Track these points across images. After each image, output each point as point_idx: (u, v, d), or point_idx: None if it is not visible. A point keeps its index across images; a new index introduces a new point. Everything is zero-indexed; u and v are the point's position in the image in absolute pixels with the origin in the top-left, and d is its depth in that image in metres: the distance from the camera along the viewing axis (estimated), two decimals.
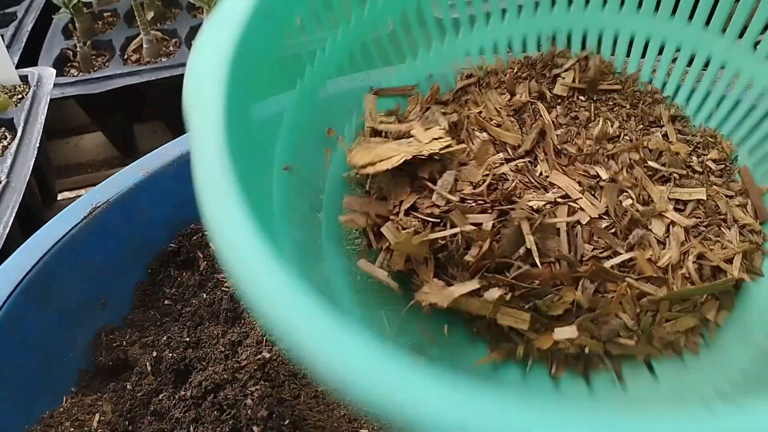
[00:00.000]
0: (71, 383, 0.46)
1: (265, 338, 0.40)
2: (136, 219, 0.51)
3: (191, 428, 0.37)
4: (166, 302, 0.51)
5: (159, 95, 0.90)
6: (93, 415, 0.42)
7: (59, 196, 0.90)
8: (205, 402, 0.38)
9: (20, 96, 0.77)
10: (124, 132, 0.96)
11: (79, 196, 0.91)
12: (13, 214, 0.61)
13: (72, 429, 0.41)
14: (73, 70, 0.88)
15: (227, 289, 0.47)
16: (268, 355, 0.38)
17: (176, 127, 0.97)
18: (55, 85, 0.79)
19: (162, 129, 1.00)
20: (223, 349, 0.42)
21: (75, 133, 1.02)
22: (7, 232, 0.59)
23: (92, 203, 0.49)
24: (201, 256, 0.52)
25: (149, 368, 0.43)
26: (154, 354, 0.44)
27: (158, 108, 0.93)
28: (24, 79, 0.79)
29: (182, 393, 0.40)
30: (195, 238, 0.53)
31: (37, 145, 0.70)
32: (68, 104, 0.94)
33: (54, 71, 0.80)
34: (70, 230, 0.47)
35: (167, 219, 0.53)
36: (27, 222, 0.70)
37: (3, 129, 0.73)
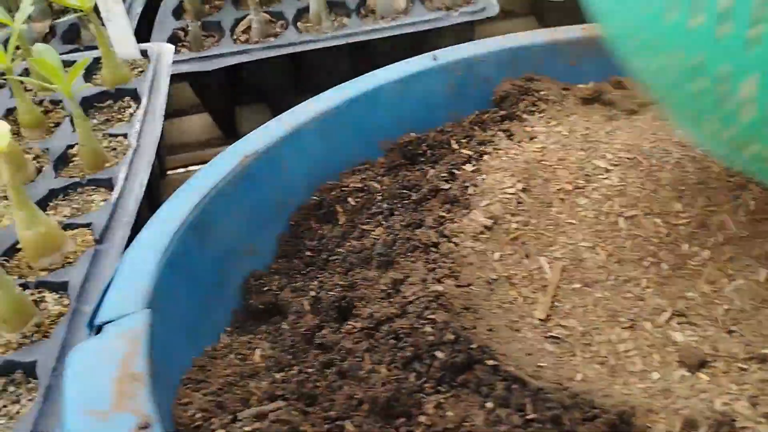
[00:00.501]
0: (225, 323, 0.47)
1: (430, 278, 0.41)
2: (279, 171, 0.52)
3: (365, 357, 0.38)
4: (308, 254, 0.52)
5: (264, 76, 0.92)
6: (254, 350, 0.43)
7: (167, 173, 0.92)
8: (377, 332, 0.39)
9: (140, 70, 0.80)
10: (228, 113, 0.98)
11: (185, 173, 0.94)
12: (147, 175, 0.63)
13: (236, 361, 0.42)
14: (183, 50, 0.91)
15: (377, 237, 0.48)
16: (440, 288, 0.39)
17: (277, 107, 0.99)
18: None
19: (262, 111, 1.02)
20: (384, 288, 0.42)
21: (178, 116, 1.05)
22: (143, 191, 0.61)
23: (243, 153, 0.50)
24: (340, 210, 0.53)
25: (308, 307, 0.44)
26: (312, 293, 0.45)
27: (262, 90, 0.95)
28: (143, 53, 0.82)
29: (348, 327, 0.41)
30: (333, 192, 0.54)
31: (163, 111, 0.72)
32: (172, 88, 0.97)
33: (172, 47, 0.83)
34: (225, 176, 0.48)
35: (307, 174, 0.54)
36: (147, 190, 0.72)
37: (127, 98, 0.76)
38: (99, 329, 0.38)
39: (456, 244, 0.44)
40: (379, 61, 0.88)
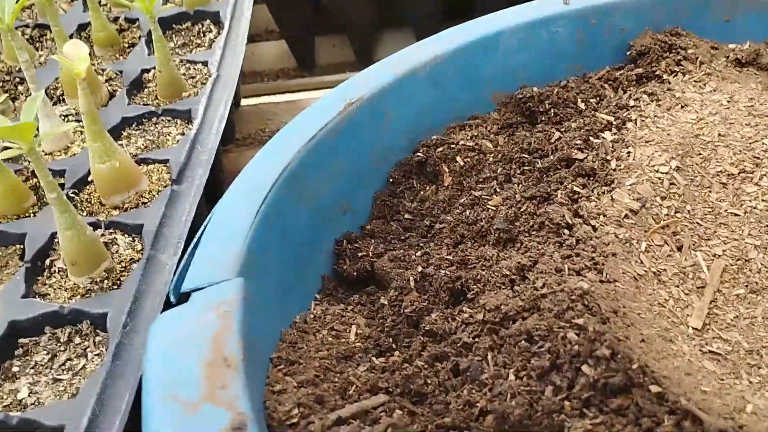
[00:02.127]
0: (315, 289, 0.42)
1: (567, 268, 0.35)
2: (382, 122, 0.46)
3: (489, 356, 0.32)
4: (407, 216, 0.46)
5: (346, 5, 0.84)
6: (348, 327, 0.38)
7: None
8: (504, 330, 0.33)
9: None
10: (307, 42, 0.91)
11: (256, 105, 0.88)
12: (228, 109, 0.58)
13: (330, 338, 0.37)
14: None
15: (493, 208, 0.41)
16: (585, 286, 0.32)
17: (358, 41, 0.92)
18: None
19: (341, 43, 0.95)
20: (507, 273, 0.36)
21: (252, 41, 0.99)
22: (223, 125, 0.56)
23: (346, 98, 0.44)
24: (446, 170, 0.47)
25: (413, 284, 0.39)
26: (419, 269, 0.39)
27: (343, 20, 0.88)
28: None
29: (465, 316, 0.35)
30: (440, 149, 0.47)
31: (245, 39, 0.66)
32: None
33: None
34: (326, 125, 0.42)
35: (409, 125, 0.48)
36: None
37: (208, 22, 0.70)
38: (185, 297, 0.32)
39: (594, 228, 0.37)
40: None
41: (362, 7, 0.87)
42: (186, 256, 0.35)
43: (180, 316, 0.31)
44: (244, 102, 0.87)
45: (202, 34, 0.69)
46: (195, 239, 0.35)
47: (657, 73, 0.49)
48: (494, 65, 0.50)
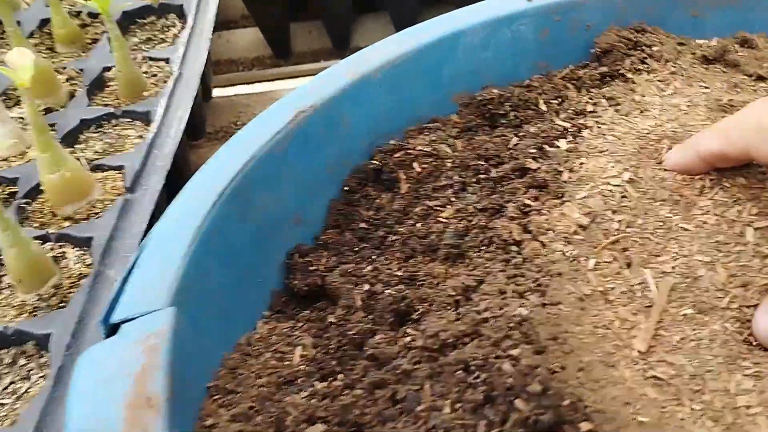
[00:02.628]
0: (264, 306, 0.41)
1: (510, 290, 0.34)
2: (337, 129, 0.45)
3: (427, 386, 0.31)
4: (362, 226, 0.45)
5: None
6: (293, 348, 0.37)
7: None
8: (443, 357, 0.32)
9: None
10: (280, 29, 0.90)
11: (228, 97, 0.87)
12: (188, 111, 0.57)
13: (273, 361, 0.36)
14: None
15: (445, 221, 0.40)
16: (525, 312, 0.31)
17: (335, 28, 0.90)
18: None
19: (318, 30, 0.93)
20: (452, 293, 0.35)
21: (226, 27, 0.97)
22: (182, 128, 0.55)
23: (297, 106, 0.43)
24: (403, 177, 0.46)
25: (360, 303, 0.38)
26: (366, 287, 0.38)
27: (319, 6, 0.86)
28: None
29: (407, 340, 0.34)
30: (397, 156, 0.46)
31: (210, 35, 0.64)
32: None
33: None
34: (274, 135, 0.41)
35: (367, 131, 0.47)
36: (189, 117, 0.65)
37: (172, 16, 0.68)
38: (115, 328, 0.32)
39: (543, 245, 0.36)
40: None
41: None
42: (118, 283, 0.34)
43: (106, 350, 0.30)
44: (216, 93, 0.85)
45: (166, 29, 0.67)
46: (129, 264, 0.35)
47: (621, 71, 0.48)
48: (455, 65, 0.49)
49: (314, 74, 0.46)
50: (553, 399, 0.28)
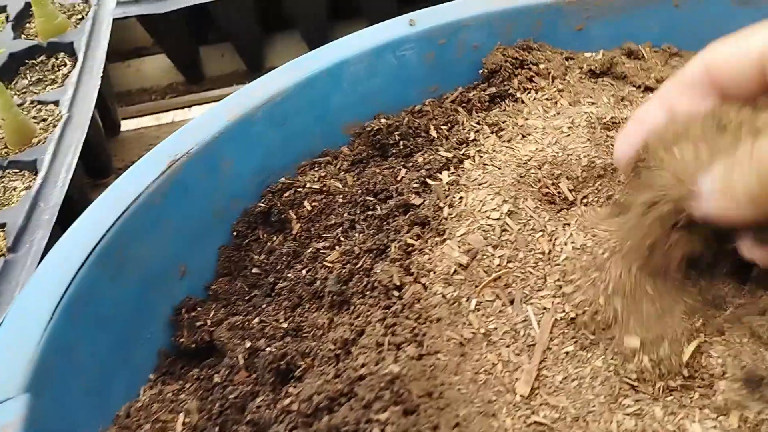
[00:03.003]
0: (149, 368, 0.39)
1: (387, 343, 0.33)
2: (219, 172, 0.43)
3: None
4: (254, 270, 0.43)
5: (228, 14, 0.80)
6: (176, 415, 0.36)
7: (122, 125, 0.83)
8: (318, 422, 0.31)
9: (80, 16, 0.69)
10: (190, 55, 0.87)
11: (136, 130, 0.84)
12: (77, 154, 0.54)
13: None
14: None
15: (330, 266, 0.39)
16: (396, 369, 0.30)
17: (245, 50, 0.88)
18: (117, 3, 0.71)
19: (230, 52, 0.91)
20: (332, 347, 0.34)
21: (136, 56, 0.94)
22: (71, 175, 0.52)
23: (170, 155, 0.41)
24: (294, 217, 0.44)
25: (242, 362, 0.36)
26: (248, 344, 0.37)
27: (227, 29, 0.84)
28: None
29: (286, 402, 0.33)
30: (287, 195, 0.45)
31: (101, 72, 0.62)
32: (128, 23, 0.85)
33: None
34: (146, 188, 0.39)
35: (255, 171, 0.45)
36: (91, 159, 0.63)
37: (62, 54, 0.65)
38: None
39: (425, 287, 0.35)
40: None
41: (245, 13, 0.83)
42: None
43: None
44: (127, 125, 0.83)
45: (56, 68, 0.65)
46: None
47: (510, 91, 0.47)
48: (342, 95, 0.48)
49: None
50: None
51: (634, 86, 0.48)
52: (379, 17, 0.51)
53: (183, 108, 0.89)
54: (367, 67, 0.47)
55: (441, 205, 0.38)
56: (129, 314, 0.38)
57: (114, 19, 0.69)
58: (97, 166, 0.68)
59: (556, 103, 0.46)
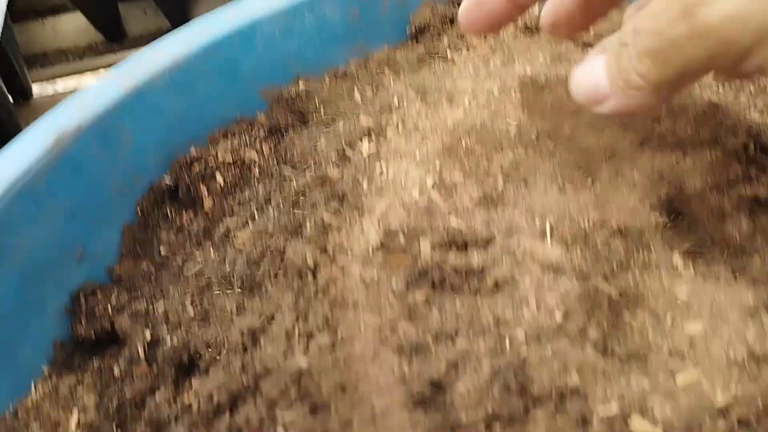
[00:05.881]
0: (43, 360, 0.36)
1: (297, 332, 0.30)
2: (118, 146, 0.39)
3: None
4: (162, 252, 0.40)
5: None
6: (70, 413, 0.32)
7: (35, 90, 0.77)
8: (218, 421, 0.28)
9: None
10: (109, 12, 0.81)
11: (51, 96, 0.79)
12: None
13: None
14: None
15: (241, 247, 0.36)
16: (304, 364, 0.28)
17: (169, 6, 0.83)
18: None
19: (153, 10, 0.85)
20: (239, 338, 0.31)
21: (50, 13, 0.88)
22: None
23: (55, 131, 0.37)
24: (205, 192, 0.41)
25: (142, 354, 0.33)
26: (149, 334, 0.34)
27: None
28: None
29: (185, 398, 0.30)
30: (196, 168, 0.41)
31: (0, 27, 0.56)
32: None
33: None
34: (28, 169, 0.35)
35: (160, 143, 0.41)
36: None
37: None
38: None
39: (342, 270, 0.32)
40: None
41: None
42: None
43: None
44: (40, 90, 0.77)
45: None
46: None
47: (438, 51, 0.44)
48: (257, 59, 0.44)
49: None
50: None
51: (572, 42, 0.45)
52: None
53: (103, 69, 0.83)
54: (283, 27, 0.44)
55: (359, 178, 0.35)
56: (13, 308, 0.34)
57: None
58: (4, 133, 0.62)
59: (488, 62, 0.43)
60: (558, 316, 0.28)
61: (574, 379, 0.27)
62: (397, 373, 0.29)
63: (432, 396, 0.28)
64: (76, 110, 0.37)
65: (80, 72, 0.83)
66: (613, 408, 0.26)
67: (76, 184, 0.37)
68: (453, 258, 0.31)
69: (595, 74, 0.29)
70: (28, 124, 0.72)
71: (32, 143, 0.36)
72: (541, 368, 0.27)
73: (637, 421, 0.26)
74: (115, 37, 0.84)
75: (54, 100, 0.75)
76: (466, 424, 0.27)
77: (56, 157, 0.36)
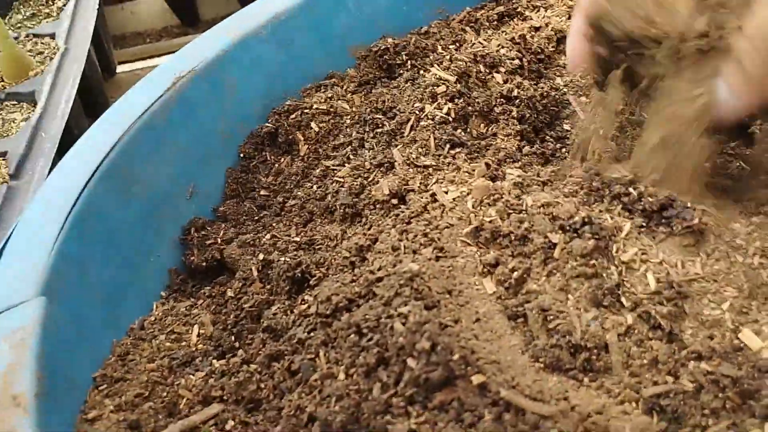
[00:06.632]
0: (160, 286, 0.39)
1: (403, 245, 0.32)
2: (224, 92, 0.43)
3: (322, 353, 0.30)
4: (262, 193, 0.43)
5: None
6: (191, 327, 0.36)
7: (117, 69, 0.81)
8: (337, 321, 0.30)
9: None
10: None
11: (132, 71, 0.83)
12: (75, 87, 0.53)
13: (168, 343, 0.34)
14: None
15: (341, 180, 0.39)
16: (416, 267, 0.30)
17: None
18: None
19: None
20: (347, 255, 0.34)
21: None
22: (70, 106, 0.52)
23: (175, 72, 0.40)
24: (302, 138, 0.44)
25: (256, 273, 0.36)
26: (261, 256, 0.36)
27: None
28: None
29: (303, 307, 0.32)
30: (293, 116, 0.44)
31: (97, 5, 0.60)
32: None
33: None
34: (152, 104, 0.38)
35: (261, 93, 0.45)
36: (88, 98, 0.62)
37: None
38: None
39: (434, 196, 0.35)
40: None
41: None
42: None
43: None
44: (122, 68, 0.81)
45: (50, 2, 0.63)
46: None
47: (518, 9, 0.46)
48: (348, 17, 0.47)
49: None
50: (442, 355, 0.26)
51: None
52: None
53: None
54: None
55: None
56: (137, 233, 0.38)
57: None
58: (95, 104, 0.66)
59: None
60: None
61: None
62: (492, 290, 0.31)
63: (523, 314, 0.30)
64: (190, 56, 0.41)
65: (157, 54, 0.87)
66: None
67: (189, 123, 0.40)
68: None
69: None
70: (113, 97, 0.76)
71: (155, 82, 0.39)
72: None
73: None
74: (190, 21, 0.88)
75: (135, 76, 0.80)
76: None
77: (174, 96, 0.39)
